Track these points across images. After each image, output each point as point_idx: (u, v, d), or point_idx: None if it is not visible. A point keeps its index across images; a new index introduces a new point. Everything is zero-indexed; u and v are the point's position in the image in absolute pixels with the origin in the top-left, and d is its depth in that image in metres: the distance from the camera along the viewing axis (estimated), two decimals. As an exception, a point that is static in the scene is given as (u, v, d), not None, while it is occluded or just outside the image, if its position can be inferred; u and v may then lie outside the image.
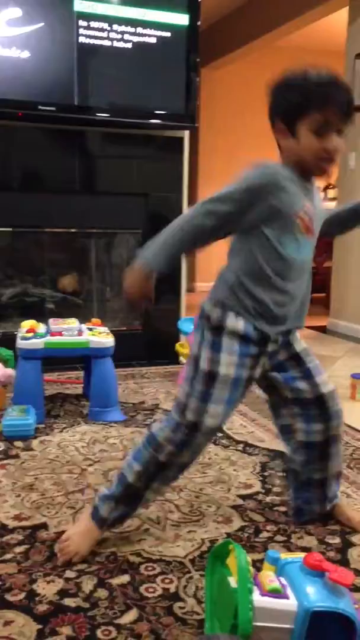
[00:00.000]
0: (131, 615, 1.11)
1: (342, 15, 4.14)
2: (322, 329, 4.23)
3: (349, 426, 2.19)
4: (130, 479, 1.29)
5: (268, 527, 1.44)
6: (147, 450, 1.29)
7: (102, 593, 1.17)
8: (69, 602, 1.14)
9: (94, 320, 2.38)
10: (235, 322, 1.25)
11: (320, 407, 1.38)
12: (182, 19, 2.84)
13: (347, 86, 1.24)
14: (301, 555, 1.06)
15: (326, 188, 6.52)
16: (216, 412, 1.26)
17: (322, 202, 1.36)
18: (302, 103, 1.19)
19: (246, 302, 1.25)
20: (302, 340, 1.40)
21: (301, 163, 1.23)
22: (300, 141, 1.21)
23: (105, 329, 2.28)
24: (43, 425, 2.08)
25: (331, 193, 6.26)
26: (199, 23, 2.88)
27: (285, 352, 1.36)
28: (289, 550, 1.33)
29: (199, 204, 1.21)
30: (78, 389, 2.51)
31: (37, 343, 2.10)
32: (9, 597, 1.15)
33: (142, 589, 1.19)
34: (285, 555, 1.08)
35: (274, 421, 1.48)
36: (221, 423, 1.30)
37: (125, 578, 1.22)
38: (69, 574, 1.23)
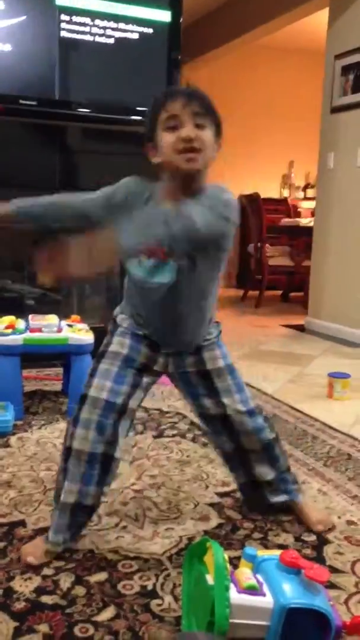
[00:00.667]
0: (108, 613, 1.11)
1: (322, 16, 4.17)
2: (300, 328, 4.27)
3: (326, 425, 2.21)
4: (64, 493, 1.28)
5: (245, 525, 1.45)
6: (64, 455, 1.30)
7: (79, 590, 1.17)
8: (46, 599, 1.14)
9: (73, 317, 2.37)
10: (125, 321, 1.34)
11: (225, 426, 1.40)
12: (164, 16, 2.83)
13: (190, 87, 1.26)
14: (277, 552, 1.07)
15: (305, 187, 6.59)
16: (100, 385, 1.27)
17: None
18: (152, 111, 1.23)
19: (129, 308, 1.35)
20: (221, 359, 1.39)
21: (170, 168, 1.22)
22: (160, 144, 1.22)
23: (84, 326, 2.27)
24: (21, 422, 2.07)
25: (310, 192, 6.33)
26: (181, 20, 2.87)
27: (194, 367, 1.37)
28: (266, 547, 1.35)
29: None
30: (57, 386, 2.50)
31: (15, 339, 2.09)
32: None
33: (119, 586, 1.19)
34: (261, 553, 1.10)
35: None
36: (109, 399, 1.25)
37: (102, 575, 1.23)
38: (46, 571, 1.23)
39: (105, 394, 1.26)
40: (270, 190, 6.38)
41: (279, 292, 5.73)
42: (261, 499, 1.47)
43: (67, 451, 1.27)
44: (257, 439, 1.41)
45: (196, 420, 2.14)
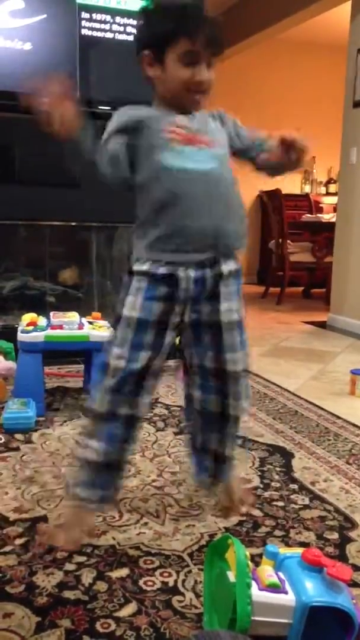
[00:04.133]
0: (130, 609, 1.12)
1: (344, 10, 4.12)
2: (322, 325, 4.24)
3: (348, 422, 2.19)
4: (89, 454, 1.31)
5: (266, 522, 1.44)
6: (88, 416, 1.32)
7: (101, 586, 1.18)
8: (68, 594, 1.15)
9: (94, 314, 2.39)
10: (142, 264, 1.26)
11: (220, 381, 1.35)
12: (184, 12, 2.82)
13: (215, 18, 1.21)
14: (300, 550, 1.06)
15: (327, 183, 6.53)
16: (118, 353, 1.25)
17: (221, 126, 1.34)
18: (171, 29, 1.17)
19: (145, 242, 1.25)
20: (236, 312, 1.33)
21: (172, 96, 1.23)
22: (167, 71, 1.20)
23: (105, 323, 2.28)
24: (43, 419, 2.08)
25: (332, 188, 6.27)
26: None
27: (208, 316, 1.31)
28: (288, 545, 1.34)
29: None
30: (78, 383, 2.52)
31: (37, 336, 2.10)
32: (8, 589, 1.16)
33: (141, 582, 1.20)
34: (283, 550, 1.09)
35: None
36: (129, 367, 1.24)
37: (124, 571, 1.23)
38: (69, 566, 1.24)
39: (123, 362, 1.25)
40: (291, 186, 6.33)
41: (301, 289, 5.69)
42: (218, 473, 1.45)
43: (90, 414, 1.30)
44: (238, 406, 1.38)
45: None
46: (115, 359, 1.25)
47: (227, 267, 1.29)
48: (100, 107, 2.78)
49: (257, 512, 1.49)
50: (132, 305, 1.26)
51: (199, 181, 1.22)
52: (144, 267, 1.26)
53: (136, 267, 1.27)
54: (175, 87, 1.21)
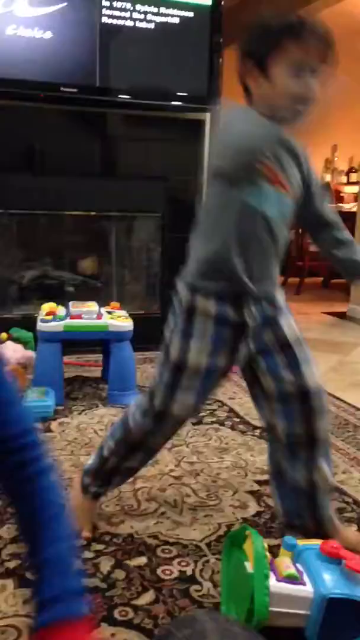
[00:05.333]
0: (148, 597, 1.12)
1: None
2: (342, 315, 4.20)
3: (368, 413, 2.18)
4: (105, 453, 1.31)
5: (285, 513, 1.44)
6: (120, 431, 1.30)
7: (119, 574, 1.19)
8: (86, 582, 1.16)
9: (113, 303, 2.39)
10: (206, 303, 1.17)
11: (303, 403, 1.22)
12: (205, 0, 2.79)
13: (329, 33, 1.10)
14: (318, 542, 1.06)
15: (349, 172, 6.44)
16: (184, 404, 1.21)
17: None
18: (279, 36, 1.07)
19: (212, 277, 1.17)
20: (296, 328, 1.24)
21: (273, 110, 1.09)
22: (274, 83, 1.08)
23: (124, 313, 2.28)
24: (62, 407, 2.10)
25: (353, 177, 6.19)
26: (222, 3, 2.83)
27: (272, 335, 1.21)
28: (305, 536, 1.33)
29: None
30: (97, 372, 2.53)
31: (57, 326, 2.11)
32: (29, 575, 1.17)
33: (158, 571, 1.20)
34: (302, 542, 1.09)
35: (260, 416, 1.32)
36: (189, 414, 1.27)
37: (142, 560, 1.24)
38: (87, 554, 1.25)
39: (185, 412, 1.24)
40: (312, 175, 6.27)
41: (320, 279, 5.64)
42: (314, 509, 1.26)
43: (131, 447, 1.29)
44: (324, 426, 1.24)
45: (235, 408, 2.14)
46: (180, 409, 1.21)
47: (278, 300, 1.24)
48: (119, 97, 2.77)
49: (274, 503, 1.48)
50: (200, 350, 1.17)
51: (271, 225, 1.15)
52: (210, 308, 1.17)
53: (199, 303, 1.18)
54: (283, 101, 1.08)
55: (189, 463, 1.70)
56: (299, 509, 1.27)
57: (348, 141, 6.05)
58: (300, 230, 5.15)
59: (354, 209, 4.47)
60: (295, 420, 1.23)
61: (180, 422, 1.28)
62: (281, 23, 1.10)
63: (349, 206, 5.12)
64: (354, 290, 4.21)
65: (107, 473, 1.32)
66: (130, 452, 1.29)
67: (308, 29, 1.07)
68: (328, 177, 6.49)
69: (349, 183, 6.33)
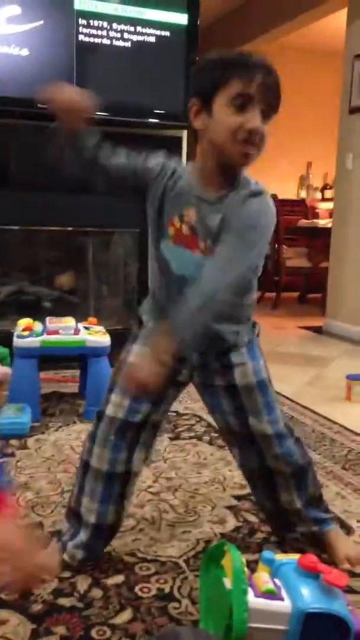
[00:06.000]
0: (125, 615, 1.11)
1: (341, 16, 4.14)
2: (318, 330, 4.24)
3: (344, 427, 2.19)
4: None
5: (262, 528, 1.44)
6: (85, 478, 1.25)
7: (96, 593, 1.17)
8: (63, 601, 1.14)
9: (90, 319, 2.38)
10: (149, 322, 1.24)
11: (251, 446, 1.25)
12: (181, 18, 2.83)
13: (268, 64, 1.08)
14: (296, 556, 1.06)
15: (323, 188, 6.55)
16: (117, 402, 1.19)
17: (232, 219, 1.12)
18: (222, 71, 1.05)
19: (153, 303, 1.25)
20: (253, 374, 1.24)
21: (217, 151, 1.09)
22: (215, 118, 1.06)
23: (101, 328, 2.28)
24: (38, 424, 2.08)
25: (328, 193, 6.29)
26: (198, 22, 2.87)
27: (222, 381, 1.24)
28: (284, 551, 1.34)
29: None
30: (74, 388, 2.51)
31: (33, 342, 2.10)
32: (3, 596, 1.15)
33: (136, 589, 1.19)
34: (280, 557, 1.09)
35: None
36: (127, 418, 1.19)
37: (119, 578, 1.22)
38: (64, 573, 1.23)
39: (122, 413, 1.19)
40: (287, 191, 6.34)
41: (296, 294, 5.70)
42: (288, 527, 1.34)
43: (85, 467, 1.24)
44: (285, 463, 1.26)
45: (213, 422, 2.14)
46: (113, 407, 1.20)
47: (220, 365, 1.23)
48: (97, 113, 2.78)
49: (253, 518, 1.48)
50: (138, 353, 1.21)
51: (178, 279, 1.16)
52: (149, 325, 1.24)
53: (144, 320, 1.25)
54: (224, 138, 1.06)
55: (167, 479, 1.70)
56: (284, 523, 1.34)
57: (322, 159, 6.16)
58: (276, 246, 5.21)
59: (329, 225, 4.54)
60: (247, 454, 1.28)
61: (115, 427, 1.19)
62: (223, 59, 1.08)
63: (324, 222, 5.19)
64: (329, 305, 4.26)
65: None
66: (83, 475, 1.24)
67: (250, 64, 1.06)
68: (303, 194, 6.59)
69: (323, 199, 6.43)
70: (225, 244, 1.10)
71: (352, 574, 1.26)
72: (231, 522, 1.47)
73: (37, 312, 2.79)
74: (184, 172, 1.17)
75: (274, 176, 6.24)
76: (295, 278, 5.51)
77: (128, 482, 1.23)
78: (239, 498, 1.59)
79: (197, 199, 1.13)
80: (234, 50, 1.14)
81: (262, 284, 5.65)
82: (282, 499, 1.30)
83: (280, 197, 5.43)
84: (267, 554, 1.08)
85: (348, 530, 1.45)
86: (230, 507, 1.54)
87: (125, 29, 2.76)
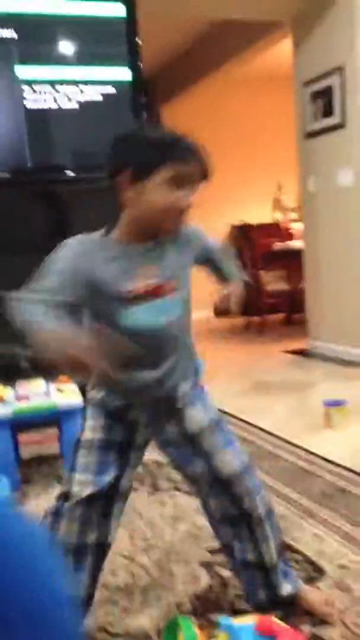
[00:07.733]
0: None
1: (286, 42, 4.24)
2: (303, 352, 4.26)
3: (322, 458, 2.21)
4: None
5: (234, 583, 1.44)
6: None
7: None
8: None
9: (61, 377, 2.40)
10: (99, 393, 1.24)
11: (223, 488, 1.25)
12: (125, 74, 2.91)
13: (198, 148, 1.15)
14: (253, 619, 1.08)
15: (298, 208, 6.61)
16: (81, 480, 1.19)
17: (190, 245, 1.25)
18: (160, 153, 1.11)
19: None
20: (203, 415, 1.26)
21: (145, 221, 1.15)
22: (147, 195, 1.11)
23: (73, 387, 2.29)
24: (18, 493, 2.09)
25: (293, 215, 6.35)
26: (141, 76, 2.95)
27: (177, 430, 1.26)
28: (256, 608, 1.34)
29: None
30: (55, 448, 2.52)
31: (5, 412, 2.12)
32: None
33: (106, 665, 1.20)
34: (237, 621, 1.10)
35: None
36: (94, 492, 1.18)
37: (90, 655, 1.23)
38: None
39: (89, 489, 1.18)
40: (263, 214, 6.42)
41: (282, 315, 5.73)
42: (268, 587, 1.28)
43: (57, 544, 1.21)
44: (256, 503, 1.25)
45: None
46: (79, 485, 1.19)
47: (180, 392, 1.25)
48: (53, 174, 2.85)
49: (226, 572, 1.49)
50: (93, 428, 1.22)
51: (149, 337, 1.18)
52: (99, 396, 1.24)
53: (91, 395, 1.26)
54: (157, 212, 1.13)
55: (142, 540, 1.70)
56: (253, 583, 1.29)
57: (292, 179, 6.24)
58: (257, 270, 5.26)
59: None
60: (222, 501, 1.26)
61: (84, 504, 1.19)
62: (160, 142, 1.13)
63: (298, 243, 5.25)
64: (310, 326, 4.30)
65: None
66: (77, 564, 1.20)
67: (185, 157, 1.12)
68: (278, 215, 6.66)
69: (298, 219, 6.49)
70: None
71: (320, 621, 1.27)
72: (204, 580, 1.48)
73: (11, 373, 2.80)
74: (105, 243, 1.19)
75: (248, 202, 6.34)
76: (280, 300, 5.56)
77: (102, 552, 1.23)
78: (213, 552, 1.59)
79: (141, 254, 1.17)
80: (168, 130, 1.19)
81: (247, 310, 5.69)
82: (262, 547, 1.27)
83: (256, 221, 5.52)
84: (224, 619, 1.10)
85: (320, 572, 1.47)
86: (204, 564, 1.55)
87: (71, 91, 2.83)
